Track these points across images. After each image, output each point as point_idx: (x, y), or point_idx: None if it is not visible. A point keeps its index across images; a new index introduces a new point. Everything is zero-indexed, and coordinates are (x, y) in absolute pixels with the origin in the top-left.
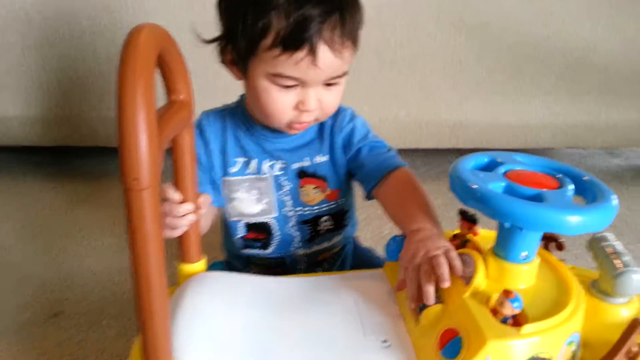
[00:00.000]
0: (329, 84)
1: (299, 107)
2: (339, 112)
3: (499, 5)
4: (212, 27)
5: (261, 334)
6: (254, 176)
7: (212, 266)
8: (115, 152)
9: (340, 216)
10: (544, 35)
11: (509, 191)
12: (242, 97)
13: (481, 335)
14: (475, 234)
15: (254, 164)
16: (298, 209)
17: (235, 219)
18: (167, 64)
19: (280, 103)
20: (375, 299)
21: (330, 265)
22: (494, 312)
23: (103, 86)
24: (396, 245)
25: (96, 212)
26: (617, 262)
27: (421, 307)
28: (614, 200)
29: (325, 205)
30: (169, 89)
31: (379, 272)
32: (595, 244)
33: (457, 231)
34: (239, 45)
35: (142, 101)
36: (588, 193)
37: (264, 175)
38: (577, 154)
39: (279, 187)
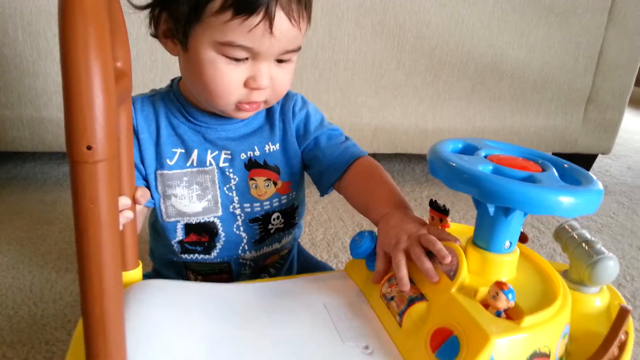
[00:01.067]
0: (281, 60)
1: (249, 83)
2: (287, 97)
3: (416, 9)
4: None
5: (224, 348)
6: (195, 169)
7: None
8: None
9: (291, 213)
10: (457, 40)
11: (498, 173)
12: (174, 81)
13: (482, 332)
14: (445, 226)
15: (194, 154)
16: (246, 205)
17: (172, 219)
18: None
19: (229, 78)
20: (346, 302)
21: (277, 270)
22: (485, 306)
23: None
24: (369, 239)
25: None
26: (590, 250)
27: (401, 310)
28: (600, 184)
29: (277, 199)
30: None
31: (341, 273)
32: (564, 233)
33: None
34: (179, 10)
35: (96, 46)
36: (568, 178)
37: (208, 168)
38: None
39: (224, 180)
